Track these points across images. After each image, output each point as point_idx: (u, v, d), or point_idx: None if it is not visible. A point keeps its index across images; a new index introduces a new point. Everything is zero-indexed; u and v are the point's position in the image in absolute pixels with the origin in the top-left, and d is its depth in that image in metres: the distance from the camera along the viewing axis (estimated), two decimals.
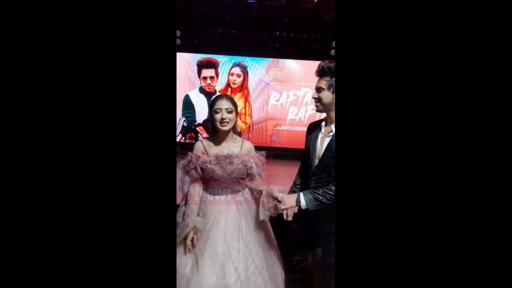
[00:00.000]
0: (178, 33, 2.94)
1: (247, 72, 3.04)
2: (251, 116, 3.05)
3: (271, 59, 3.03)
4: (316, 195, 1.11)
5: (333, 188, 1.09)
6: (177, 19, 2.81)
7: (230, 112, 1.23)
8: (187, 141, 3.04)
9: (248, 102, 3.05)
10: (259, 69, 3.04)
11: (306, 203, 1.11)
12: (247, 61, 3.04)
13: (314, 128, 1.29)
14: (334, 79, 1.18)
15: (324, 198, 1.09)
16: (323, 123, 1.25)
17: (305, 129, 1.34)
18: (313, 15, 2.85)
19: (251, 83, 3.06)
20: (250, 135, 3.07)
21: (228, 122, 1.22)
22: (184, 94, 3.03)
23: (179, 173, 1.25)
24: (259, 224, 1.23)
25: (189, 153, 1.25)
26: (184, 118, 3.02)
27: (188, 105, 3.04)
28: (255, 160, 1.27)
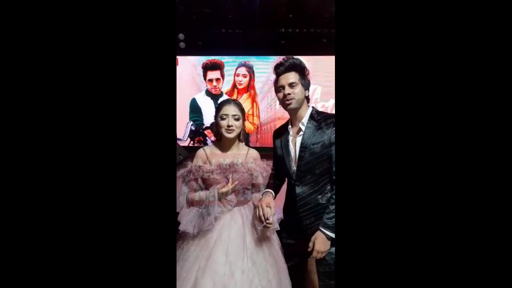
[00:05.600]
0: (182, 36, 2.91)
1: (253, 71, 2.97)
2: (258, 116, 2.98)
3: (277, 57, 2.94)
4: (331, 214, 1.03)
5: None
6: (179, 22, 2.80)
7: (237, 120, 1.17)
8: (196, 145, 3.01)
9: (256, 102, 2.98)
10: (266, 68, 2.96)
11: (333, 232, 1.02)
12: (253, 60, 2.96)
13: (281, 133, 1.21)
14: (306, 73, 1.15)
15: None
16: (289, 126, 1.17)
17: None
18: (319, 9, 2.74)
19: (258, 82, 2.98)
20: (258, 135, 3.00)
21: (234, 130, 1.16)
22: (191, 98, 3.00)
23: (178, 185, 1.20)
24: (267, 238, 1.15)
25: (189, 162, 1.21)
26: (191, 122, 2.99)
27: (196, 108, 3.01)
28: (260, 170, 1.20)
